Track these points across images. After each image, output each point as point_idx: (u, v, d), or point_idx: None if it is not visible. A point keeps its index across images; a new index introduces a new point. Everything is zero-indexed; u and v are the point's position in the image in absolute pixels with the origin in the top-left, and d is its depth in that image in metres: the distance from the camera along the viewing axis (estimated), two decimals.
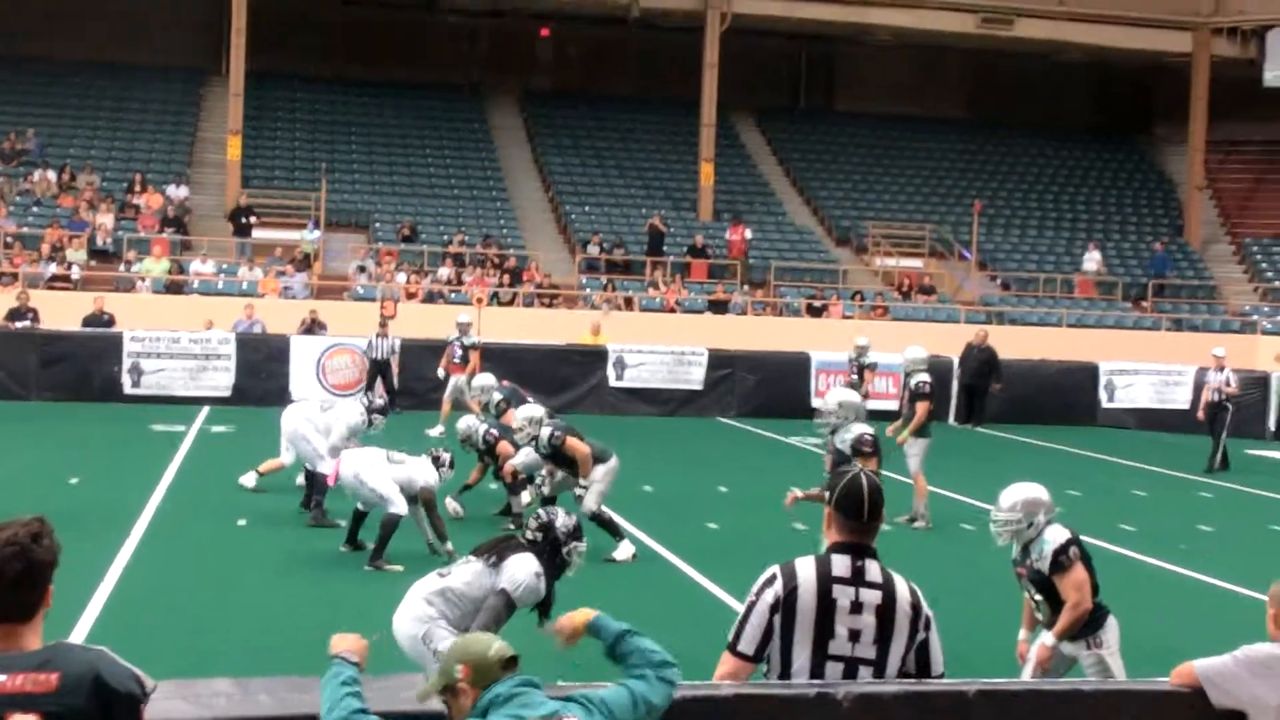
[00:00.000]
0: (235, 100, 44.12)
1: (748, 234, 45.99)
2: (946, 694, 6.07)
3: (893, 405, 34.46)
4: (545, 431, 17.31)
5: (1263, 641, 6.47)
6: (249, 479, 20.28)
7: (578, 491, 17.14)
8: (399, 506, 15.88)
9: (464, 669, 5.50)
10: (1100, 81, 57.76)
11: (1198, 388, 29.40)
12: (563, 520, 10.53)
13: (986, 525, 10.16)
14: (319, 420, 18.81)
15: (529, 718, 5.37)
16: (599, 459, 17.22)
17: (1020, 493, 9.88)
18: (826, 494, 6.35)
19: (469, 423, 19.69)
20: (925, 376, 21.10)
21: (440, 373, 30.47)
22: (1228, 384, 28.80)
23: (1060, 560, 9.56)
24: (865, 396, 30.44)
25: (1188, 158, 52.51)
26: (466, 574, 10.11)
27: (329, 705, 5.44)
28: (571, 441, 17.18)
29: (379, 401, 19.06)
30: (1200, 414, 29.50)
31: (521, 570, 10.02)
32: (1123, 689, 6.46)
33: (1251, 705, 6.28)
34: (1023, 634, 10.09)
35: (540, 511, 10.81)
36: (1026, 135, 57.20)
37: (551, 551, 10.34)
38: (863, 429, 13.31)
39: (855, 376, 30.77)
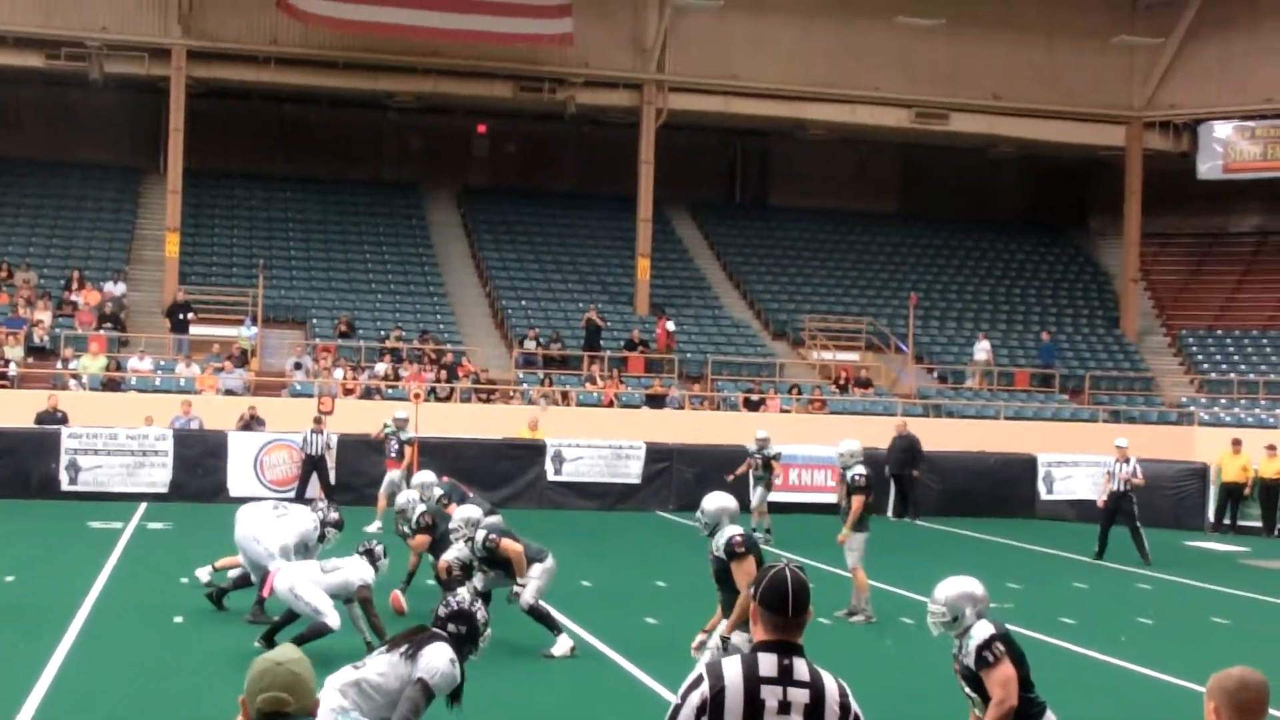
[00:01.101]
0: (173, 197, 44.11)
1: (670, 326, 46.02)
2: None
3: (801, 497, 34.90)
4: (480, 535, 17.27)
5: None
6: (204, 572, 20.06)
7: (515, 588, 17.05)
8: (332, 620, 15.79)
9: (242, 700, 5.65)
10: (1034, 175, 58.37)
11: (1113, 479, 29.51)
12: (480, 607, 10.57)
13: (924, 618, 10.13)
14: (271, 524, 18.60)
15: None
16: (534, 559, 17.16)
17: (950, 588, 9.83)
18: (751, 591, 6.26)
19: (409, 497, 19.73)
20: (862, 469, 20.87)
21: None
22: (1135, 474, 28.94)
23: (984, 656, 9.46)
24: (770, 488, 30.55)
25: (1122, 250, 53.07)
26: (382, 665, 10.12)
27: None
28: (505, 543, 17.11)
29: (334, 515, 18.91)
30: (1100, 502, 29.68)
31: (439, 659, 10.05)
32: None
33: None
34: None
35: (450, 600, 10.78)
36: (961, 229, 57.59)
37: (471, 639, 10.37)
38: (733, 530, 13.17)
39: (760, 470, 30.58)
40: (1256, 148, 50.63)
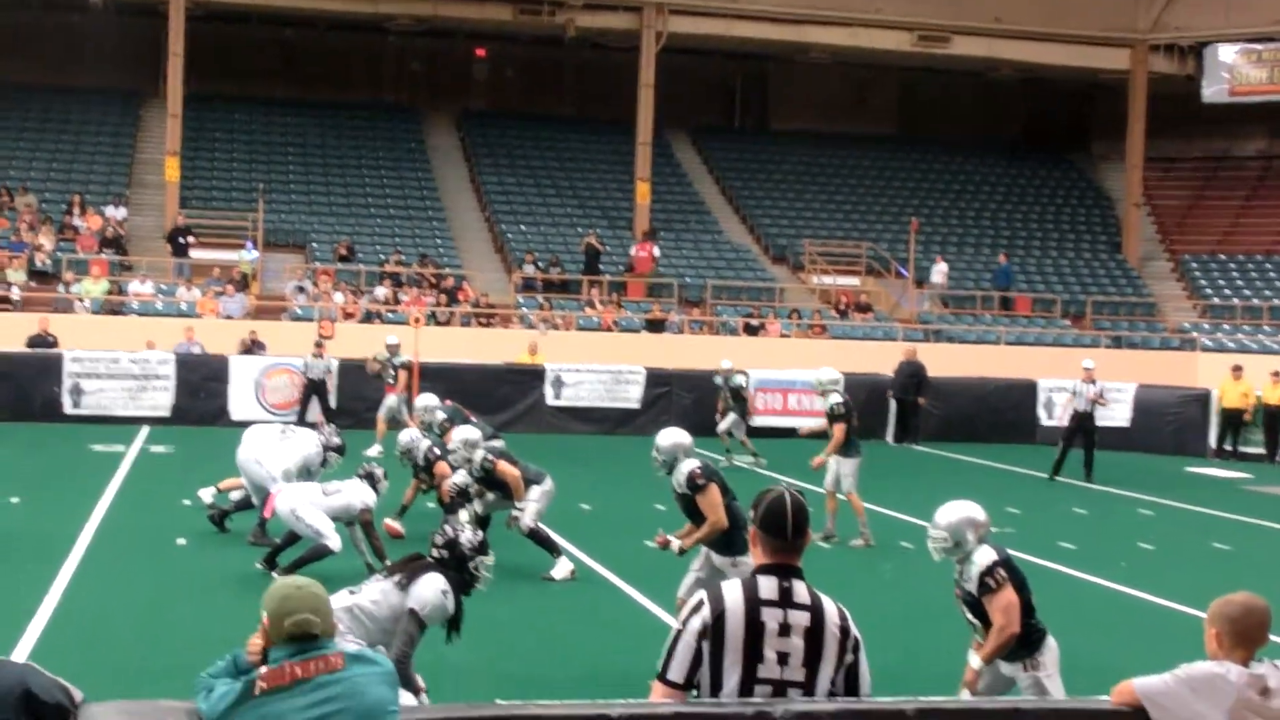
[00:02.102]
0: (173, 121, 43.91)
1: (656, 251, 45.87)
2: (884, 712, 6.01)
3: (800, 423, 35.03)
4: (478, 455, 17.31)
5: (1202, 660, 6.45)
6: (207, 493, 20.04)
7: (514, 512, 17.05)
8: (333, 543, 15.85)
9: (265, 619, 5.74)
10: (1036, 98, 57.98)
11: (1077, 398, 29.88)
12: (467, 536, 10.55)
13: (925, 542, 10.13)
14: (274, 447, 18.59)
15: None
16: (532, 482, 17.17)
17: (951, 513, 9.82)
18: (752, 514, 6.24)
19: (412, 436, 19.65)
20: (838, 397, 20.90)
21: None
22: (1100, 395, 29.52)
23: (987, 582, 9.46)
24: (746, 417, 30.68)
25: (1125, 174, 52.81)
26: (375, 592, 10.21)
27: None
28: (503, 466, 17.16)
29: (336, 440, 18.92)
30: (1065, 423, 30.18)
31: (429, 589, 10.10)
32: (1062, 708, 6.42)
33: None
34: (971, 659, 9.97)
35: (445, 527, 10.80)
36: (962, 153, 57.40)
37: (457, 567, 10.36)
38: (690, 464, 13.17)
39: (729, 399, 30.45)
40: (1262, 71, 50.34)
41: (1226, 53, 50.57)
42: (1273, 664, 6.39)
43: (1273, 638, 6.64)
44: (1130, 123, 51.55)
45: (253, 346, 35.09)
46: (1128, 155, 52.21)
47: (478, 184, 50.86)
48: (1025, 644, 9.56)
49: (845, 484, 20.32)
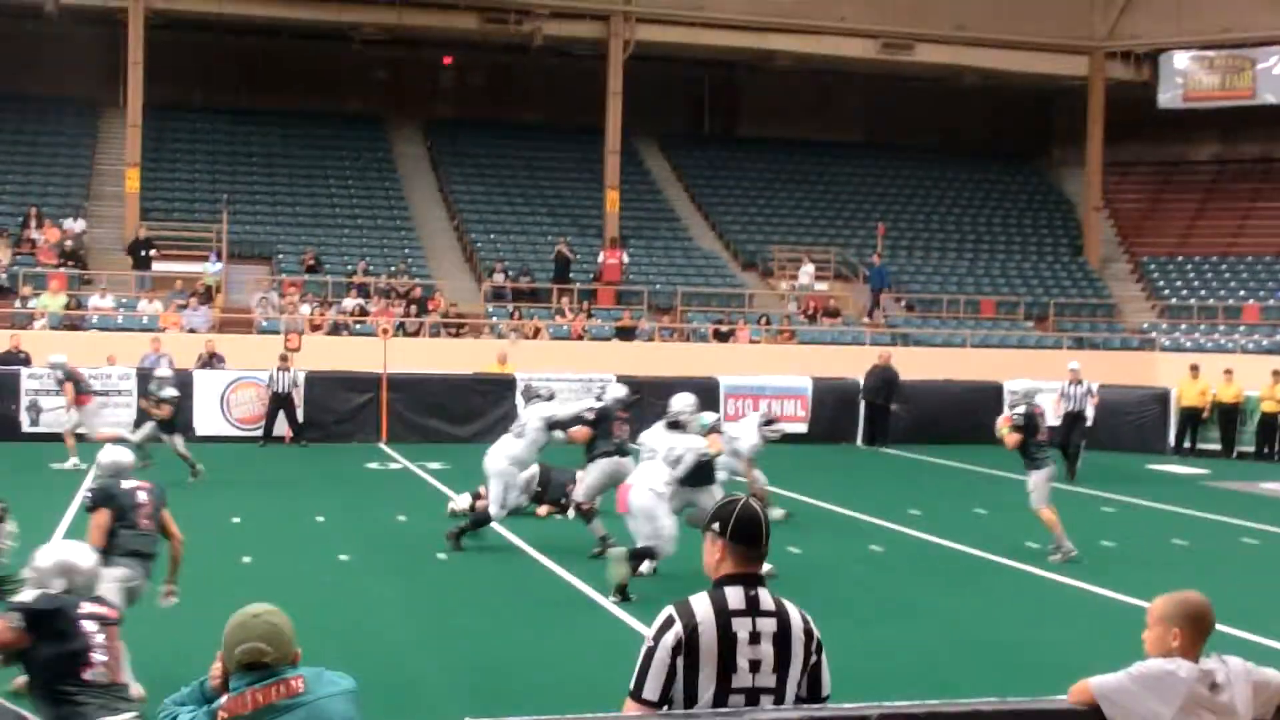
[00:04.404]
0: (133, 132, 43.64)
1: (625, 258, 45.90)
2: (849, 718, 6.10)
3: None
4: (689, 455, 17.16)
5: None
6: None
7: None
8: (667, 546, 16.03)
9: (220, 654, 5.81)
10: (999, 105, 58.18)
11: (1066, 399, 30.26)
12: None
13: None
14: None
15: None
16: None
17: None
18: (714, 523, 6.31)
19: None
20: (1022, 407, 20.74)
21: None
22: (1091, 394, 30.10)
23: None
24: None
25: (1085, 179, 53.36)
26: None
27: None
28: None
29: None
30: (1058, 421, 30.22)
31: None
32: (1021, 708, 6.52)
33: None
34: None
35: None
36: (927, 158, 57.59)
37: None
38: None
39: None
40: (1214, 77, 51.28)
41: (1180, 60, 51.54)
42: (1220, 658, 6.55)
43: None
44: (1089, 128, 52.09)
45: (211, 360, 34.85)
46: (1087, 160, 52.75)
47: (446, 193, 50.82)
48: None
49: (1034, 499, 20.20)
